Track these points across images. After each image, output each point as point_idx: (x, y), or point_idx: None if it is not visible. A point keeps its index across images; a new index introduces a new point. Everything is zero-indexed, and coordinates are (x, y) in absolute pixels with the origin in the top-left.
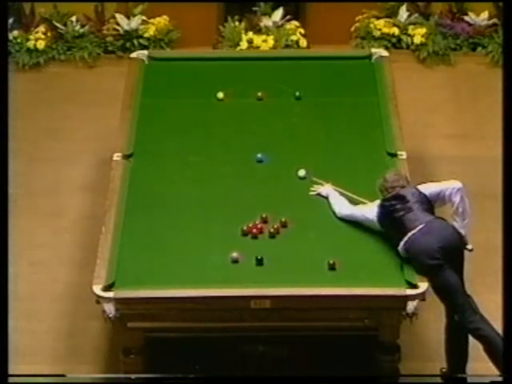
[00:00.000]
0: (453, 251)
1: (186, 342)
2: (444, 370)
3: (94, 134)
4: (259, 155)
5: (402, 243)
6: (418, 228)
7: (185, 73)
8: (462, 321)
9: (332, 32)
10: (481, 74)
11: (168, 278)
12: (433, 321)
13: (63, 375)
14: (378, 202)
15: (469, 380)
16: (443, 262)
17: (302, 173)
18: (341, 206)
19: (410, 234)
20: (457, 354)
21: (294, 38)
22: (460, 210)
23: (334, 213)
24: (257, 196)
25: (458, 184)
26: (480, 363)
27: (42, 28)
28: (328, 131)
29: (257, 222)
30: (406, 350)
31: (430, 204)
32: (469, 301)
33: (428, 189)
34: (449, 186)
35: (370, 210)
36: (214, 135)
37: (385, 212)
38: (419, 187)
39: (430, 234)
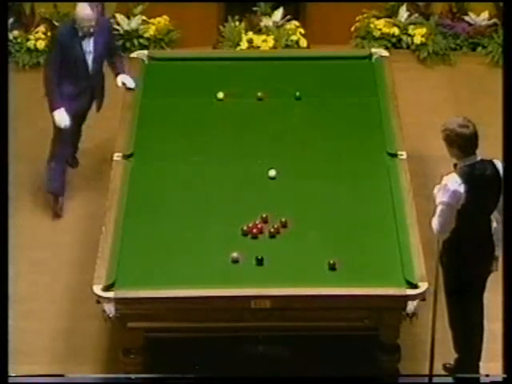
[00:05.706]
0: None
1: (185, 342)
2: (448, 365)
3: (94, 134)
4: None
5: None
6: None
7: (185, 73)
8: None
9: (332, 32)
10: (481, 74)
11: (168, 278)
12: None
13: (62, 375)
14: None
15: (468, 380)
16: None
17: (272, 173)
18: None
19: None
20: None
21: (294, 37)
22: None
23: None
24: (257, 196)
25: None
26: (480, 363)
27: (42, 28)
28: (328, 131)
29: (257, 222)
30: (406, 350)
31: None
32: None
33: None
34: None
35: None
36: (214, 135)
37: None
38: None
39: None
